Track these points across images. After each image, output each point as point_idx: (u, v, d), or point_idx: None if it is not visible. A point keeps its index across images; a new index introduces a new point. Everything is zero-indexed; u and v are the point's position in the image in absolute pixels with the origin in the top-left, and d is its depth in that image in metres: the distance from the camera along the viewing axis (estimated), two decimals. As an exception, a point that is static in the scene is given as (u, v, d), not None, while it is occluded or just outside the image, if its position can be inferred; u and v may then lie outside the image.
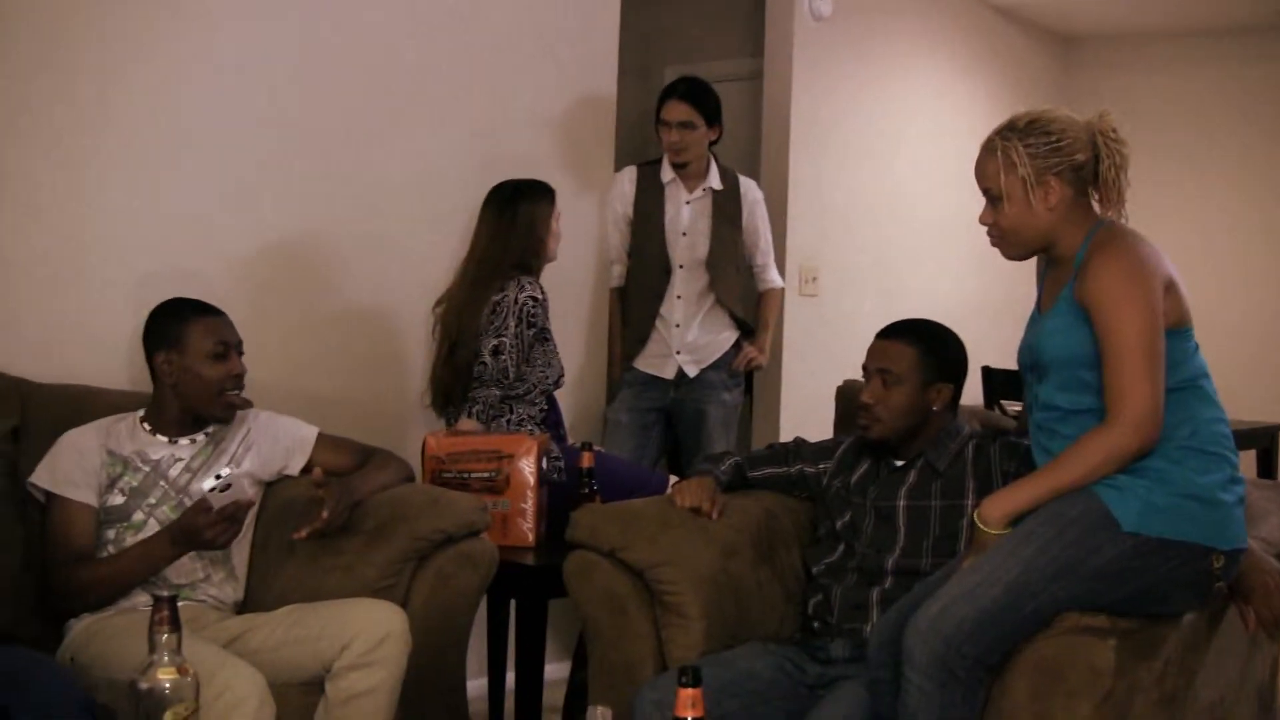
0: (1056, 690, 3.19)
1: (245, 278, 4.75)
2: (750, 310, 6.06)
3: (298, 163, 4.93)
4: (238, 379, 4.00)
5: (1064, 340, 3.41)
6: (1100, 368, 3.32)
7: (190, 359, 3.93)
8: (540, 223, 5.03)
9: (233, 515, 3.69)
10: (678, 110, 5.72)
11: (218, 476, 3.68)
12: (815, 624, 3.84)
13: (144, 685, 2.50)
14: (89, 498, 3.87)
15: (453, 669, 4.04)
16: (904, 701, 3.22)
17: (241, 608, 4.01)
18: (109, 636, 3.67)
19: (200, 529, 3.67)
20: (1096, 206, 3.49)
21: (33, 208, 4.29)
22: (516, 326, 4.82)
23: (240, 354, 4.02)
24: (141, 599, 3.81)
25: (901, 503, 3.83)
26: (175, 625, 2.53)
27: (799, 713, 3.50)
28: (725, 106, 5.84)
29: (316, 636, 3.60)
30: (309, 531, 3.86)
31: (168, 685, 2.49)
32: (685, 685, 2.43)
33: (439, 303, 5.08)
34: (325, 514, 3.86)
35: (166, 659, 2.51)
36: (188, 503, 3.90)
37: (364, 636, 3.56)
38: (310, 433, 4.21)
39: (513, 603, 5.02)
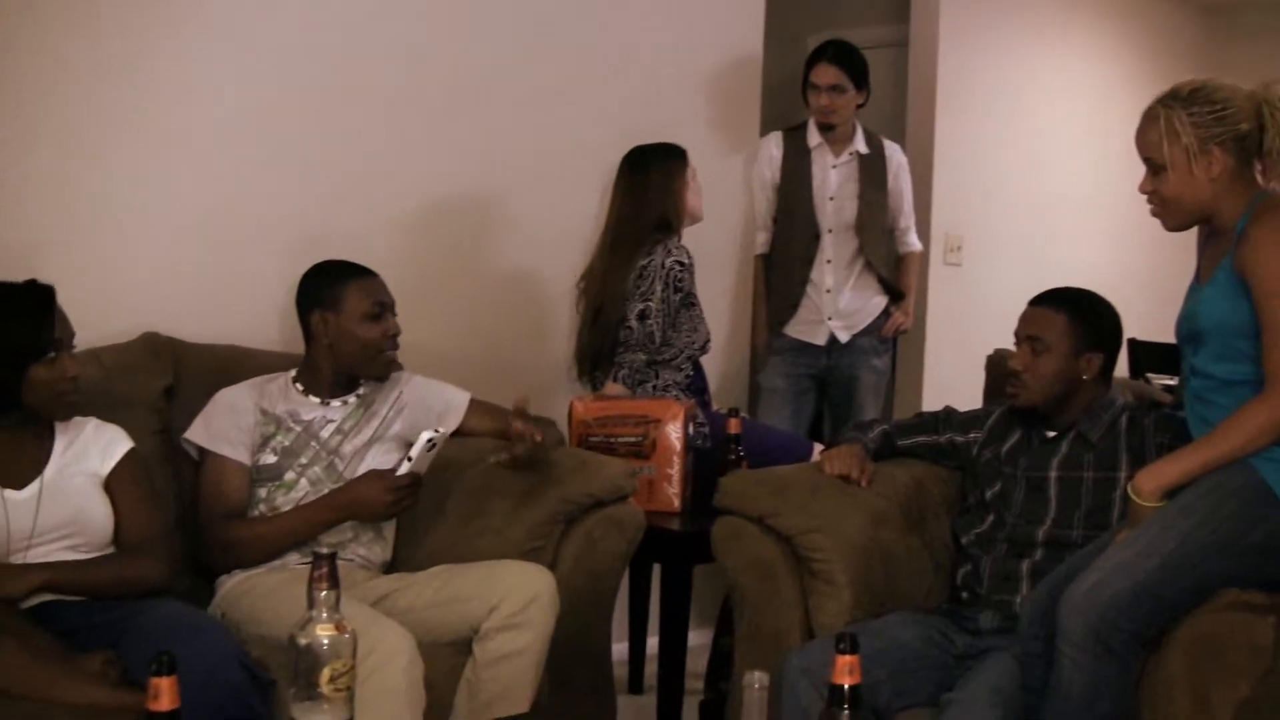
0: (1214, 667, 3.14)
1: (395, 243, 4.79)
2: (893, 274, 6.02)
3: (447, 128, 4.96)
4: (393, 339, 4.02)
5: (1222, 310, 3.36)
6: (1258, 338, 3.27)
7: (346, 319, 3.96)
8: (675, 179, 5.02)
9: (411, 486, 3.73)
10: (827, 74, 5.68)
11: (436, 430, 3.70)
12: (964, 594, 3.81)
13: (303, 641, 2.51)
14: (242, 455, 3.91)
15: (598, 632, 4.06)
16: (1057, 675, 3.19)
17: (389, 568, 4.04)
18: (260, 594, 3.72)
19: (377, 502, 3.74)
20: (1259, 177, 3.43)
21: (187, 170, 4.35)
22: (663, 291, 4.82)
23: (394, 314, 4.04)
24: (293, 557, 3.86)
25: (1053, 474, 3.78)
26: (334, 583, 2.54)
27: (947, 683, 3.47)
28: (870, 73, 5.80)
29: (465, 597, 3.63)
30: (509, 458, 3.89)
31: (326, 642, 2.50)
32: (843, 652, 2.41)
33: (582, 278, 5.09)
34: (540, 437, 3.89)
35: (325, 616, 2.53)
36: (338, 464, 3.95)
37: (512, 598, 3.57)
38: (462, 397, 4.22)
39: (655, 568, 5.03)
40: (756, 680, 2.48)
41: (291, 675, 2.54)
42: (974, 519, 3.90)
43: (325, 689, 2.50)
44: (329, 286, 3.99)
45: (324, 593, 2.53)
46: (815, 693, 3.28)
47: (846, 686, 2.40)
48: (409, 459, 3.73)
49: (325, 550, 2.58)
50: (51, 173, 4.12)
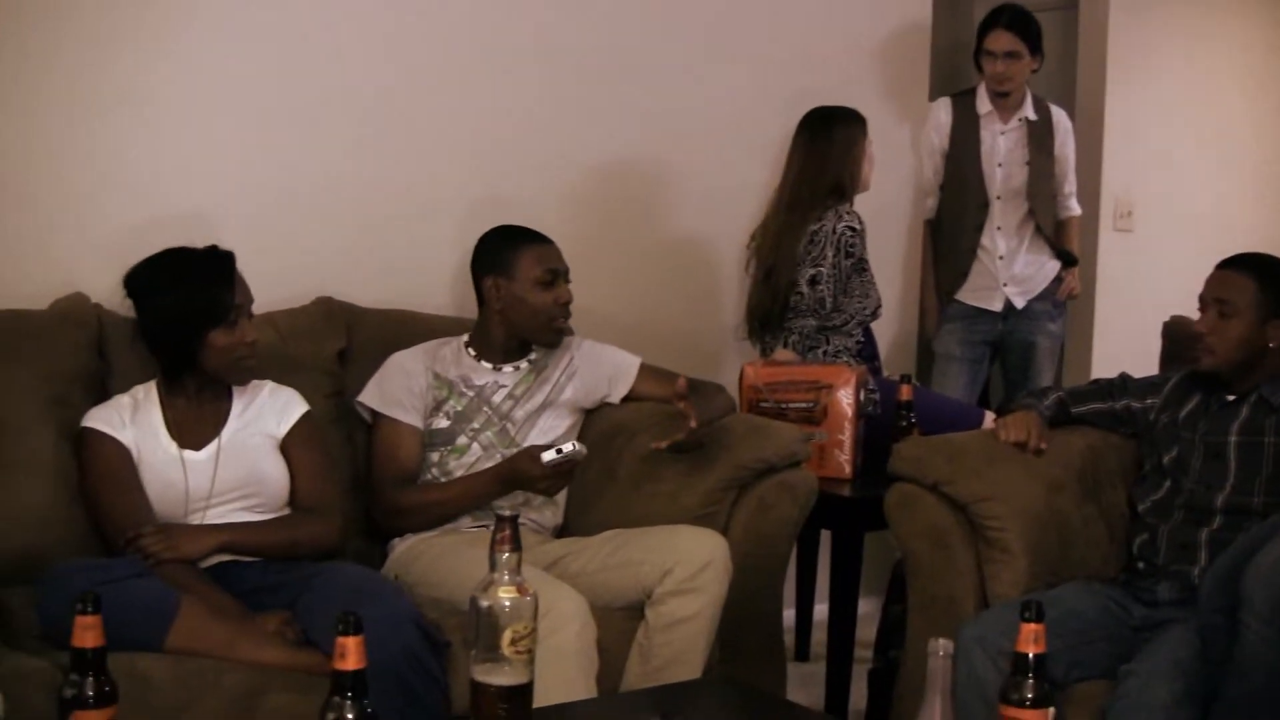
0: (1407, 639, 3.07)
1: (564, 207, 4.81)
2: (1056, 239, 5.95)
3: (615, 93, 4.97)
4: (565, 306, 4.03)
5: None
6: None
7: (519, 286, 3.97)
8: (856, 146, 4.98)
9: (567, 471, 3.73)
10: (1003, 40, 5.60)
11: (558, 451, 3.67)
12: (1140, 564, 3.73)
13: (484, 603, 2.51)
14: (415, 420, 3.95)
15: (770, 598, 4.04)
16: (1241, 648, 3.11)
17: (560, 532, 4.06)
18: (433, 557, 3.75)
19: (535, 480, 3.73)
20: None
21: (360, 138, 4.41)
22: (834, 256, 4.78)
23: (567, 281, 4.05)
24: (465, 520, 3.90)
25: (1233, 438, 3.70)
26: (516, 545, 2.55)
27: (1124, 655, 3.40)
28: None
29: (639, 562, 3.63)
30: (669, 444, 3.86)
31: (508, 604, 2.51)
32: (1028, 620, 2.38)
33: (753, 238, 5.07)
34: (694, 423, 3.83)
35: (507, 578, 2.53)
36: (510, 429, 3.98)
37: (686, 563, 3.57)
38: (633, 362, 4.22)
39: (823, 535, 5.00)
40: (941, 648, 2.45)
41: (472, 637, 2.55)
42: (1150, 485, 3.82)
43: (506, 651, 2.51)
44: (503, 252, 4.00)
45: (506, 555, 2.54)
46: (990, 662, 3.25)
47: (1031, 655, 2.37)
48: (557, 450, 3.70)
49: (507, 513, 2.58)
50: (229, 142, 4.20)
